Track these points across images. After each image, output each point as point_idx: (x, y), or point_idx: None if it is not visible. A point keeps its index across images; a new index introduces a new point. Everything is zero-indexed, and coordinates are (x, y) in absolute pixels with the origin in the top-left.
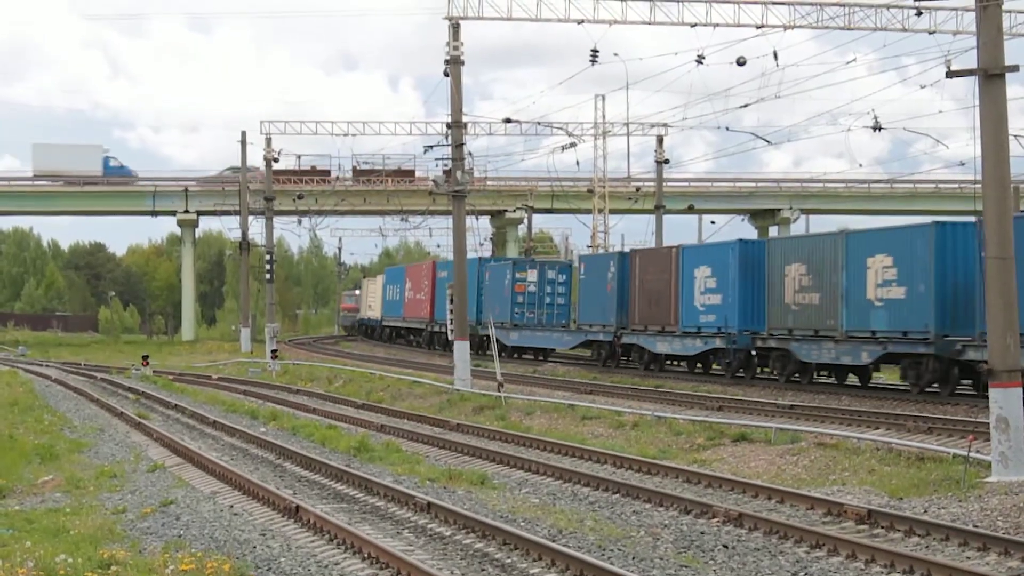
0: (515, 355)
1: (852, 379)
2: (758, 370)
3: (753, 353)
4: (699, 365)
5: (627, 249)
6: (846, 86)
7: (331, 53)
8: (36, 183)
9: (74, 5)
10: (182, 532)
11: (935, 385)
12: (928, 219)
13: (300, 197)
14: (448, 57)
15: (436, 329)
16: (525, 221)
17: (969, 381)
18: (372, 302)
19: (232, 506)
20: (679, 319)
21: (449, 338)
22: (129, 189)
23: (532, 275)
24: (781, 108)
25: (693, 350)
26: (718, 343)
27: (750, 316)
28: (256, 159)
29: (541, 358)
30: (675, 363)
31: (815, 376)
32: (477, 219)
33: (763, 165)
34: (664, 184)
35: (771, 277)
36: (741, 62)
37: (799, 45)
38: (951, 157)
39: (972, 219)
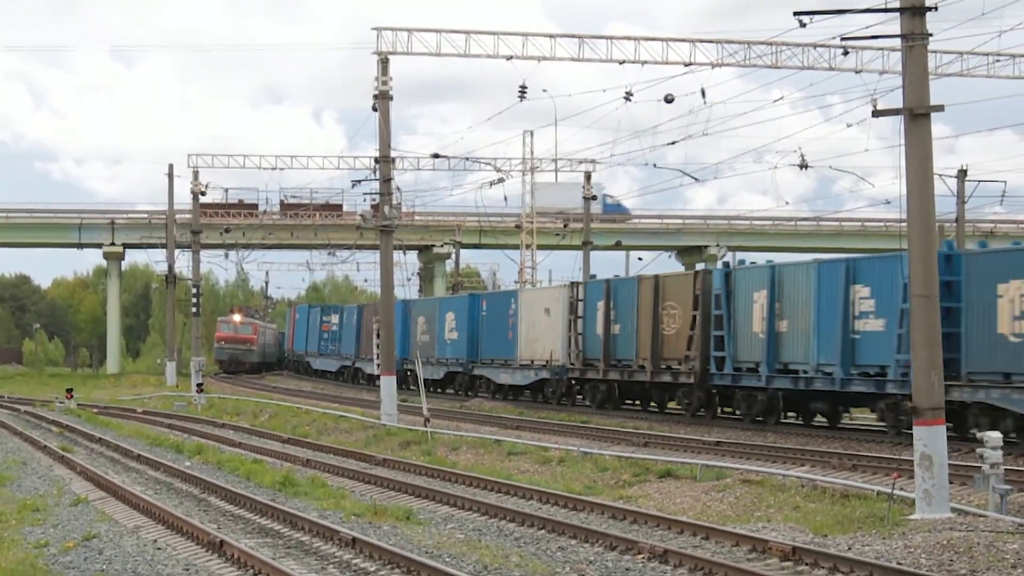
0: (317, 374)
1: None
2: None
3: (408, 372)
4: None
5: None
6: (772, 124)
7: (257, 87)
8: None
9: None
10: (105, 567)
11: (469, 392)
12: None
13: (227, 231)
14: (377, 92)
15: (293, 357)
16: (453, 256)
17: (486, 390)
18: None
19: (156, 541)
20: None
21: (315, 365)
22: (55, 221)
23: (335, 318)
24: (707, 145)
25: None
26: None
27: (407, 349)
28: (183, 192)
29: (344, 377)
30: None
31: (433, 388)
32: (405, 254)
33: (688, 202)
34: (592, 220)
35: (411, 325)
36: (669, 99)
37: (726, 83)
38: (876, 195)
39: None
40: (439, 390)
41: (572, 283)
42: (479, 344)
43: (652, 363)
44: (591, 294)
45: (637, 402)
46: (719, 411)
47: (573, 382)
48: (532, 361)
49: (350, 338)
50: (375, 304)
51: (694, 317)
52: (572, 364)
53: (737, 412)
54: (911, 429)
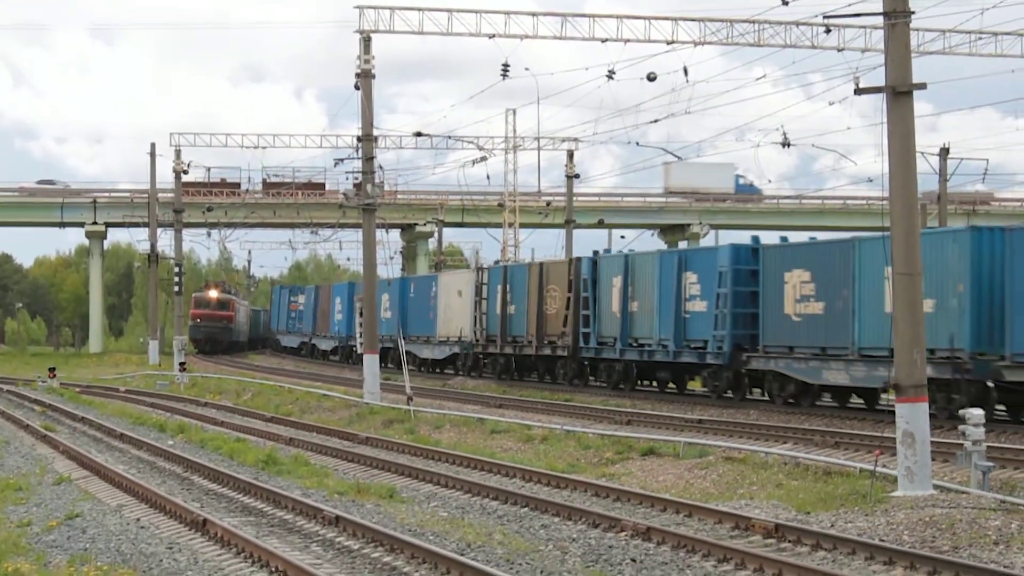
0: (286, 351)
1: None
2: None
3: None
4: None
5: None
6: (755, 102)
7: (237, 65)
8: None
9: None
10: (88, 546)
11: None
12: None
13: (209, 209)
14: (359, 71)
15: (270, 335)
16: (435, 235)
17: (412, 364)
18: None
19: (139, 519)
20: (329, 329)
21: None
22: (37, 200)
23: (301, 298)
24: (689, 123)
25: (330, 346)
26: (336, 344)
27: (352, 327)
28: (165, 171)
29: (303, 352)
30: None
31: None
32: (387, 232)
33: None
34: (574, 198)
35: (356, 305)
36: (651, 77)
37: (709, 61)
38: (859, 173)
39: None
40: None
41: (479, 268)
42: (407, 322)
43: (537, 339)
44: (493, 278)
45: (534, 373)
46: (589, 380)
47: (479, 356)
48: (448, 338)
49: (309, 317)
50: (329, 285)
51: (568, 299)
52: (477, 340)
53: (601, 380)
54: (727, 393)
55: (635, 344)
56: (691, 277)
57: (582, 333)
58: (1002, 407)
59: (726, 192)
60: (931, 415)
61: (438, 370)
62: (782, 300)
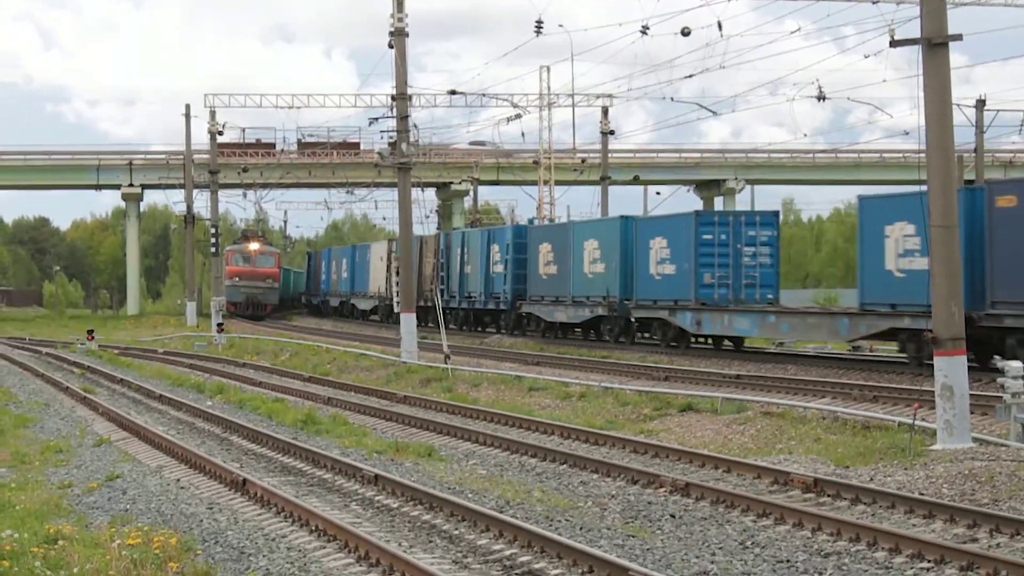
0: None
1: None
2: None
3: (320, 303)
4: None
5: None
6: (788, 56)
7: (267, 25)
8: None
9: None
10: (128, 507)
11: (350, 315)
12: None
13: (245, 170)
14: (393, 29)
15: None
16: (471, 193)
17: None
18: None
19: (179, 480)
20: (319, 288)
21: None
22: (73, 163)
23: (311, 261)
24: (722, 78)
25: (317, 300)
26: (319, 299)
27: (328, 285)
28: (199, 133)
29: (306, 309)
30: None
31: (334, 314)
32: (423, 191)
33: (702, 135)
34: (609, 155)
35: (329, 267)
36: (686, 32)
37: (742, 15)
38: (894, 126)
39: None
40: (345, 315)
41: (389, 240)
42: (355, 282)
43: (418, 294)
44: (396, 248)
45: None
46: (449, 326)
47: (387, 306)
48: (373, 293)
49: (312, 277)
50: (319, 251)
51: (434, 264)
52: (386, 296)
53: (451, 324)
54: (514, 332)
55: (468, 297)
56: (495, 247)
57: (440, 290)
58: (647, 334)
59: None
60: (602, 341)
61: (371, 318)
62: (538, 264)
